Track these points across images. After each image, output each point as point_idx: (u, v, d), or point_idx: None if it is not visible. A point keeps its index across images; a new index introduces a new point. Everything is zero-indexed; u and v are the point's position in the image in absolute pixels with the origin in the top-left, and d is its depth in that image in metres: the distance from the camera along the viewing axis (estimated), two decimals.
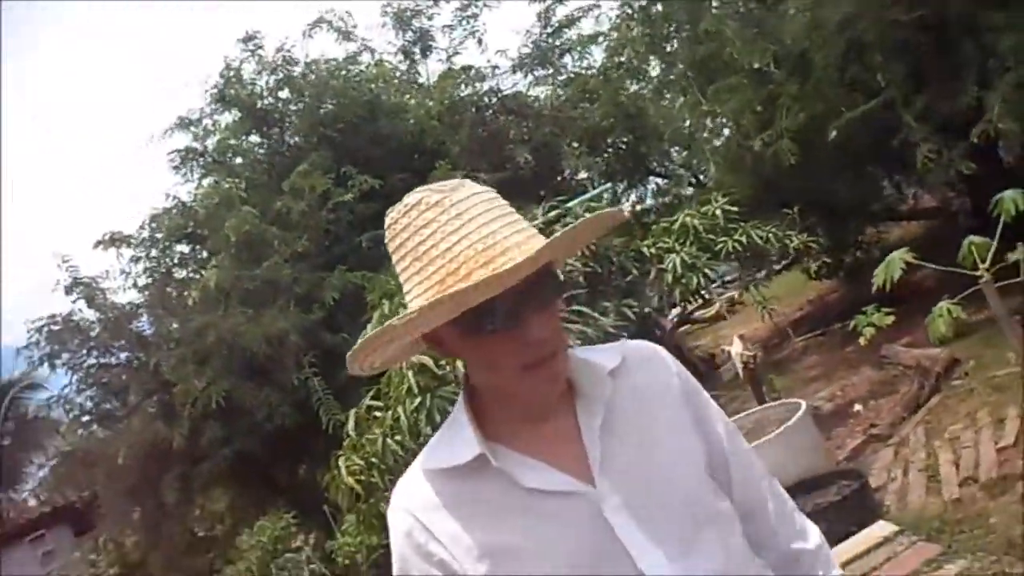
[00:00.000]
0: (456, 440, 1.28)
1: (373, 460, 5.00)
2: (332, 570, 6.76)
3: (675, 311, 11.29)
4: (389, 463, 5.01)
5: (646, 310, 6.80)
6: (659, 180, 12.18)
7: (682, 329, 13.74)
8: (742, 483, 1.39)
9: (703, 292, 7.17)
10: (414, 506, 1.28)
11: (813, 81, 7.87)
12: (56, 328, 10.01)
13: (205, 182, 9.69)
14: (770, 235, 6.92)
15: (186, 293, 9.26)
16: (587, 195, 9.42)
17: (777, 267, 13.72)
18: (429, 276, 1.18)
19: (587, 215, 1.36)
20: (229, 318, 8.16)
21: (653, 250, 6.82)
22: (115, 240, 9.59)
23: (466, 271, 1.15)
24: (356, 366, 1.30)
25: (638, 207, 9.62)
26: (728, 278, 13.19)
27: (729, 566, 1.27)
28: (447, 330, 1.21)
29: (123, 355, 10.25)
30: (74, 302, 9.87)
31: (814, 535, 1.46)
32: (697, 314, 15.56)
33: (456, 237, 1.17)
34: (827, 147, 7.94)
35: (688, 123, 9.67)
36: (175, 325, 9.13)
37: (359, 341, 1.26)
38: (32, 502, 19.75)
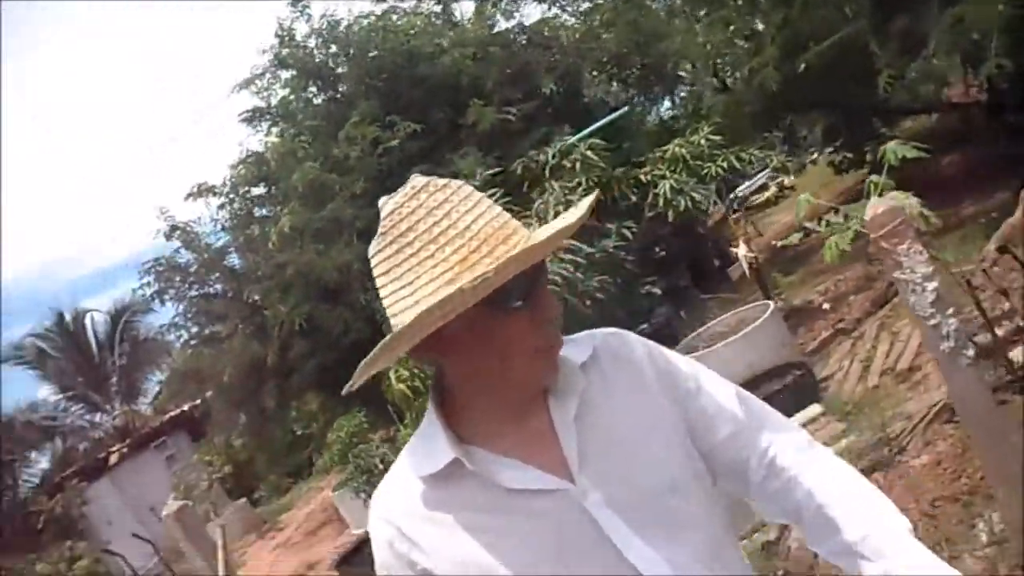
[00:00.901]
0: (431, 446, 1.27)
1: (415, 370, 6.46)
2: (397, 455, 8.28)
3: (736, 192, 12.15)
4: (427, 372, 6.48)
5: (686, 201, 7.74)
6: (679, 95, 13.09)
7: (735, 215, 14.47)
8: (732, 436, 1.37)
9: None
10: (394, 515, 1.28)
11: (797, 9, 8.72)
12: (161, 268, 11.72)
13: (274, 131, 11.11)
14: (751, 156, 8.02)
15: (268, 229, 10.73)
16: (608, 119, 10.53)
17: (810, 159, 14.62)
18: (447, 256, 1.15)
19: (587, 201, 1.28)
20: (304, 254, 9.66)
21: (648, 177, 8.00)
22: (202, 191, 11.11)
23: (488, 248, 1.15)
24: (382, 361, 1.23)
25: None
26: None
27: (711, 551, 1.28)
28: (463, 317, 1.15)
29: (219, 287, 11.92)
30: (177, 249, 11.52)
31: (789, 454, 1.38)
32: (753, 199, 16.55)
33: (472, 216, 1.16)
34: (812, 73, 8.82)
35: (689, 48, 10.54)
36: (260, 261, 10.62)
37: (403, 326, 1.14)
38: (152, 413, 22.16)
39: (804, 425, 5.76)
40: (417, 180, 1.22)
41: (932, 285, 2.99)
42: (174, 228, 11.48)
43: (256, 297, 10.62)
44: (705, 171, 7.83)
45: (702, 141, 7.96)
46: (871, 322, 7.25)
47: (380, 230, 1.21)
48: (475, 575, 1.23)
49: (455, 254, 1.14)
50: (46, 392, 22.23)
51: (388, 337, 1.16)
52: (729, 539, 1.37)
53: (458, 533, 1.23)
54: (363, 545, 8.72)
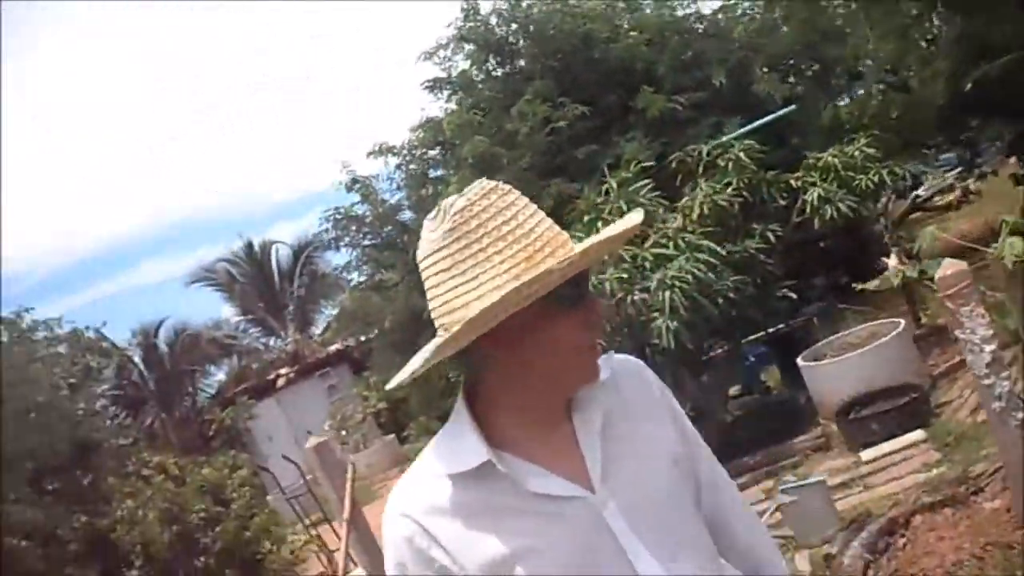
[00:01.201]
0: (460, 446, 1.31)
1: None
2: None
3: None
4: None
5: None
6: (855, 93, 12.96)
7: (913, 215, 13.95)
8: (713, 503, 1.50)
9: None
10: (416, 511, 1.30)
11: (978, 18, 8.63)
12: (339, 217, 12.76)
13: (453, 99, 11.84)
14: (905, 172, 8.11)
15: (439, 190, 11.51)
16: (777, 114, 10.67)
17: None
18: (515, 254, 1.22)
19: (636, 215, 1.41)
20: None
21: (799, 183, 8.20)
22: (383, 149, 11.99)
23: (550, 249, 1.23)
24: (449, 349, 1.26)
25: None
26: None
27: (711, 568, 1.37)
28: (523, 315, 1.21)
29: (391, 239, 12.86)
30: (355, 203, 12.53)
31: (768, 545, 1.60)
32: (935, 200, 16.21)
33: (535, 220, 1.26)
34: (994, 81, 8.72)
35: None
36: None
37: (497, 297, 1.18)
38: (319, 344, 23.73)
39: (900, 450, 6.03)
40: (486, 183, 1.29)
41: (989, 347, 3.31)
42: (354, 181, 12.46)
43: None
44: (856, 183, 7.96)
45: (855, 152, 8.09)
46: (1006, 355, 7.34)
47: (448, 227, 1.25)
48: (494, 573, 1.26)
49: (522, 251, 1.22)
50: (229, 313, 24.15)
51: (455, 329, 1.20)
52: (719, 561, 1.46)
53: (482, 534, 1.27)
54: None
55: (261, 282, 23.36)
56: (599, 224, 7.95)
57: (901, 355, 7.21)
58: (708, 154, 8.51)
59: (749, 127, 10.24)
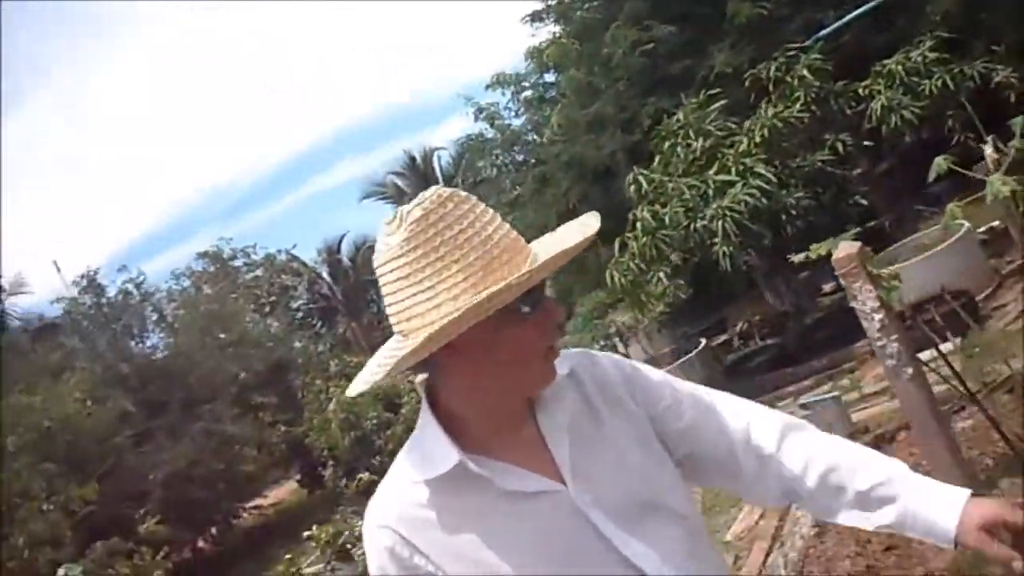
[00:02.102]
0: (430, 452, 1.31)
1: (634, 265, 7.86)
2: None
3: None
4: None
5: None
6: None
7: None
8: (694, 425, 1.47)
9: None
10: (394, 521, 1.30)
11: None
12: (472, 143, 13.90)
13: (556, 28, 12.51)
14: (974, 73, 8.19)
15: (548, 114, 12.36)
16: (871, 4, 10.68)
17: None
18: (471, 263, 1.22)
19: (592, 221, 1.37)
20: (575, 145, 11.24)
21: (865, 92, 8.48)
22: (500, 80, 12.89)
23: (508, 256, 1.24)
24: (370, 381, 1.30)
25: None
26: None
27: (690, 549, 1.38)
28: (480, 325, 1.22)
29: (519, 159, 13.91)
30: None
31: (771, 436, 1.46)
32: None
33: (492, 227, 1.25)
34: None
35: None
36: (545, 143, 12.27)
37: (455, 313, 1.19)
38: None
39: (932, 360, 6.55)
40: (443, 190, 1.28)
41: (878, 316, 4.03)
42: (480, 110, 13.50)
43: (540, 175, 12.41)
44: (921, 88, 8.16)
45: (919, 57, 8.24)
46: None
47: (404, 236, 1.24)
48: (481, 575, 1.27)
49: (479, 260, 1.21)
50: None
51: (416, 343, 1.20)
52: (705, 538, 1.47)
53: (462, 536, 1.28)
54: None
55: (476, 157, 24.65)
56: (677, 151, 8.63)
57: (961, 260, 7.46)
58: (777, 70, 8.87)
59: (841, 20, 10.39)
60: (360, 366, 1.43)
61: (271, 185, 58.37)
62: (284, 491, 16.87)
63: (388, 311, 1.30)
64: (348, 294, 23.81)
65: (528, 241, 1.33)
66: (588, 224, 1.36)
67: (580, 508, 1.31)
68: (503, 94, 13.05)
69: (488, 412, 1.34)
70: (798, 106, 8.45)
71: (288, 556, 5.87)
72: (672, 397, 1.49)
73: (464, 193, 1.28)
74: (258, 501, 15.58)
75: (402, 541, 1.29)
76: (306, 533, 6.07)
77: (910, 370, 4.04)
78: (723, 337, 10.44)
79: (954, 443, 4.22)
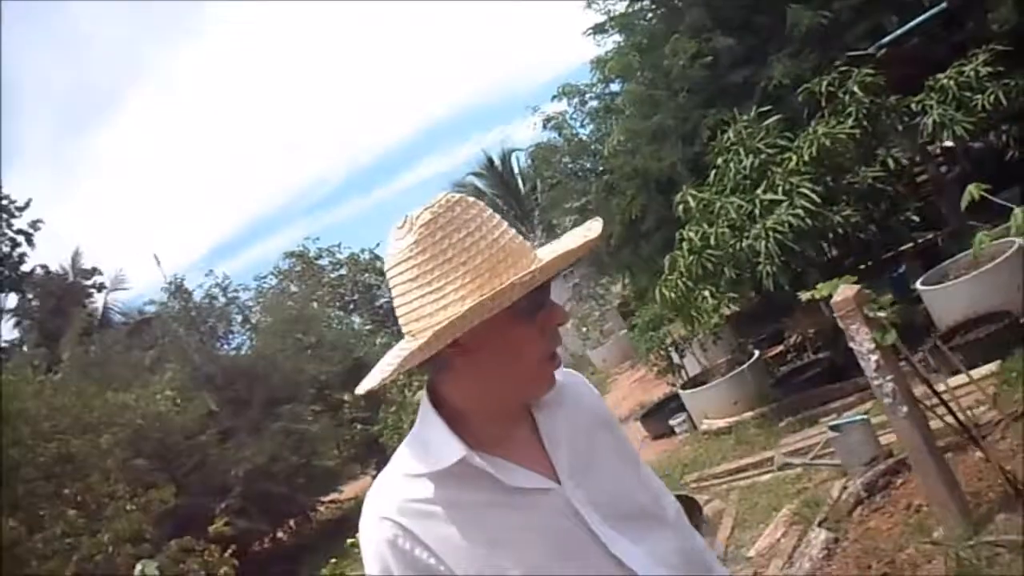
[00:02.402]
0: (433, 446, 1.35)
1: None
2: None
3: None
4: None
5: None
6: None
7: None
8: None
9: None
10: (396, 512, 1.33)
11: None
12: (541, 150, 14.22)
13: (619, 38, 12.66)
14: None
15: (612, 125, 12.56)
16: (929, 14, 10.58)
17: None
18: (477, 265, 1.28)
19: (595, 225, 1.43)
20: (636, 157, 11.42)
21: (919, 107, 8.48)
22: (566, 91, 13.14)
23: (512, 260, 1.30)
24: (381, 376, 1.36)
25: None
26: None
27: (680, 548, 1.49)
28: (485, 322, 1.28)
29: (587, 166, 14.15)
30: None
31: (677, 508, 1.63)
32: None
33: (498, 231, 1.32)
34: None
35: None
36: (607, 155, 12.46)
37: (461, 312, 1.25)
38: None
39: (968, 384, 6.51)
40: (451, 196, 1.33)
41: (874, 357, 4.21)
42: (548, 119, 13.78)
43: (602, 184, 12.61)
44: (974, 103, 8.12)
45: (972, 72, 8.20)
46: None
47: (413, 239, 1.29)
48: (480, 567, 1.29)
49: (485, 263, 1.27)
50: None
51: (423, 339, 1.26)
52: (693, 544, 1.57)
53: (463, 529, 1.30)
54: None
55: (505, 191, 25.20)
56: (730, 167, 8.76)
57: (1009, 280, 7.28)
58: (830, 84, 8.93)
59: (906, 27, 10.33)
60: None
61: (358, 183, 59.88)
62: (361, 485, 17.56)
63: (397, 312, 1.36)
64: None
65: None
66: (591, 229, 1.41)
67: (575, 507, 1.37)
68: (569, 104, 13.28)
69: (491, 411, 1.40)
70: (850, 122, 8.52)
71: (333, 560, 6.24)
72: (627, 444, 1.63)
73: (471, 199, 1.36)
74: (334, 496, 16.34)
75: (404, 533, 1.32)
76: (349, 541, 6.43)
77: (905, 408, 4.21)
78: (778, 349, 10.49)
79: (952, 479, 4.37)
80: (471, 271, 1.28)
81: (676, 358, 10.39)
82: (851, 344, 4.28)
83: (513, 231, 1.35)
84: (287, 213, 62.33)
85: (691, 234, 8.03)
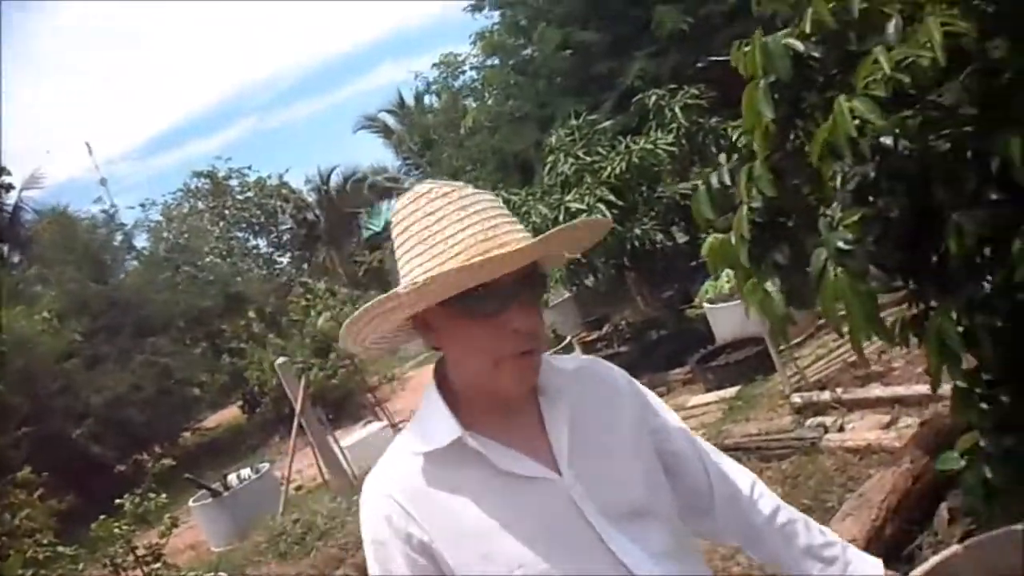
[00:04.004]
0: (432, 426, 1.38)
1: None
2: None
3: None
4: None
5: None
6: None
7: None
8: (695, 458, 1.59)
9: None
10: (394, 491, 1.36)
11: None
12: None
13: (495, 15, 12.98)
14: None
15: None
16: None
17: None
18: (432, 259, 1.28)
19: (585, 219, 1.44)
20: (490, 139, 11.91)
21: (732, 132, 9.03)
22: (445, 62, 13.52)
23: (465, 257, 1.26)
24: (350, 340, 1.40)
25: None
26: None
27: (675, 552, 1.43)
28: (438, 313, 1.32)
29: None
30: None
31: (745, 481, 1.63)
32: None
33: (460, 226, 1.28)
34: None
35: None
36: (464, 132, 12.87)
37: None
38: None
39: (707, 404, 7.25)
40: (422, 186, 1.37)
41: None
42: (429, 84, 14.21)
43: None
44: None
45: None
46: None
47: (393, 220, 1.38)
48: (472, 550, 1.32)
49: (437, 257, 1.28)
50: (391, 158, 26.51)
51: (354, 316, 1.34)
52: (688, 543, 1.54)
53: (457, 509, 1.33)
54: None
55: (416, 128, 25.27)
56: (556, 167, 9.25)
57: None
58: (659, 99, 9.45)
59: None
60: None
61: (310, 83, 59.00)
62: (225, 415, 18.18)
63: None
64: (332, 224, 24.71)
65: None
66: (575, 238, 1.41)
67: (573, 498, 1.36)
68: (444, 76, 13.66)
69: (485, 395, 1.39)
70: (670, 138, 9.07)
71: (103, 517, 6.69)
72: (667, 421, 1.60)
73: (446, 189, 1.35)
74: (198, 425, 16.96)
75: (400, 510, 1.34)
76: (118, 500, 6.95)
77: None
78: (596, 334, 11.10)
79: None
80: (426, 263, 1.30)
81: None
82: None
83: (485, 226, 1.30)
84: (233, 110, 61.28)
85: None
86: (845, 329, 2.49)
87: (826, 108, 2.53)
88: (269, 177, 23.97)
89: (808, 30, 2.57)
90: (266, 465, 10.42)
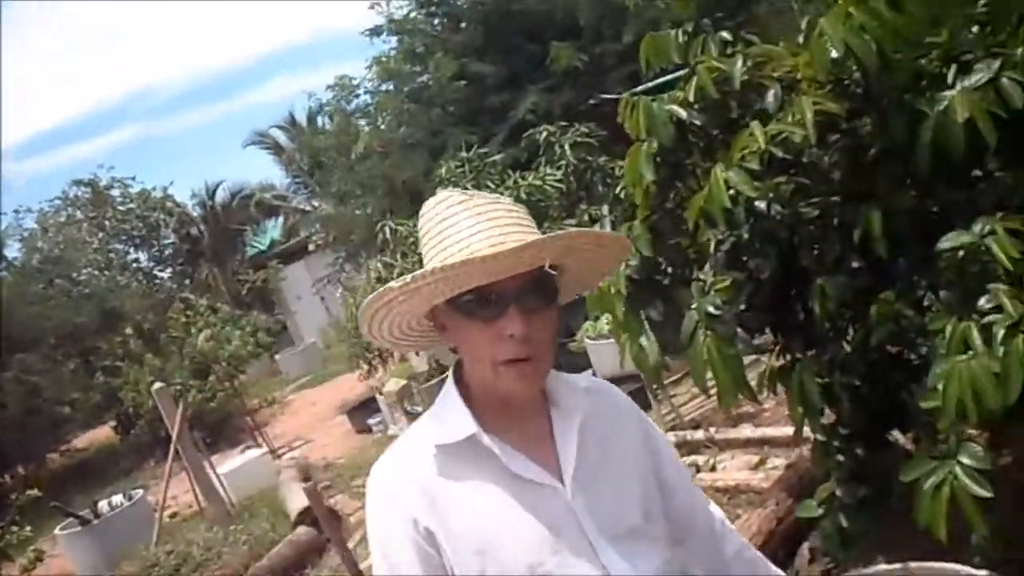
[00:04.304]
0: (449, 420, 1.41)
1: None
2: None
3: None
4: None
5: None
6: None
7: None
8: (684, 490, 1.65)
9: None
10: (405, 479, 1.40)
11: None
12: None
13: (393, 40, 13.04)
14: None
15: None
16: (674, 75, 11.46)
17: None
18: (442, 261, 1.31)
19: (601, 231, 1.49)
20: (381, 165, 11.91)
21: (620, 171, 9.27)
22: (343, 85, 13.44)
23: (463, 256, 1.28)
24: (365, 328, 1.43)
25: None
26: None
27: (666, 572, 1.47)
28: (449, 314, 1.37)
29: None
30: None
31: (717, 515, 1.72)
32: None
33: (471, 231, 1.32)
34: None
35: None
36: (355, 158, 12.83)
37: (370, 296, 1.36)
38: None
39: None
40: (444, 192, 1.42)
41: None
42: (323, 106, 14.11)
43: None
44: None
45: None
46: None
47: (419, 224, 1.43)
48: (470, 544, 1.35)
49: (448, 260, 1.31)
50: (280, 176, 26.00)
51: (371, 296, 1.37)
52: (679, 567, 1.56)
53: (463, 503, 1.36)
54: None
55: (307, 148, 24.91)
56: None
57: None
58: (550, 135, 9.63)
59: (657, 81, 11.13)
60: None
61: (199, 92, 57.54)
62: (96, 435, 17.49)
63: None
64: (216, 240, 24.14)
65: None
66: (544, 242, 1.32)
67: (573, 509, 1.39)
68: (336, 97, 13.60)
69: (489, 392, 1.41)
70: (559, 174, 9.25)
71: None
72: (663, 448, 1.65)
73: (463, 197, 1.38)
74: (67, 446, 16.21)
75: (409, 498, 1.37)
76: None
77: None
78: None
79: None
80: (427, 261, 1.36)
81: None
82: (394, 427, 4.94)
83: (495, 232, 1.32)
84: (117, 114, 59.28)
85: (378, 264, 8.54)
86: (713, 390, 2.61)
87: (705, 173, 2.67)
88: (153, 189, 23.29)
89: (691, 98, 2.69)
90: (139, 491, 9.99)
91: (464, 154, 9.63)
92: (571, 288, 1.53)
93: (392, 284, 1.32)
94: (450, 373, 1.48)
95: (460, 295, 1.32)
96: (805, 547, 4.11)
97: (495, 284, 1.30)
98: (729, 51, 2.90)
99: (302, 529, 6.79)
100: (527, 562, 1.35)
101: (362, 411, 11.25)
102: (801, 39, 2.48)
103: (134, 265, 23.06)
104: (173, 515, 9.64)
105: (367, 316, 1.40)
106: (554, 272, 1.36)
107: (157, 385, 8.81)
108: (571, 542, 1.37)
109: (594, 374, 8.63)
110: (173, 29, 55.90)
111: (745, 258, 2.77)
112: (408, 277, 1.30)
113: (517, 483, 1.38)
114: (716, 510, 1.73)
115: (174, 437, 8.29)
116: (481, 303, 1.32)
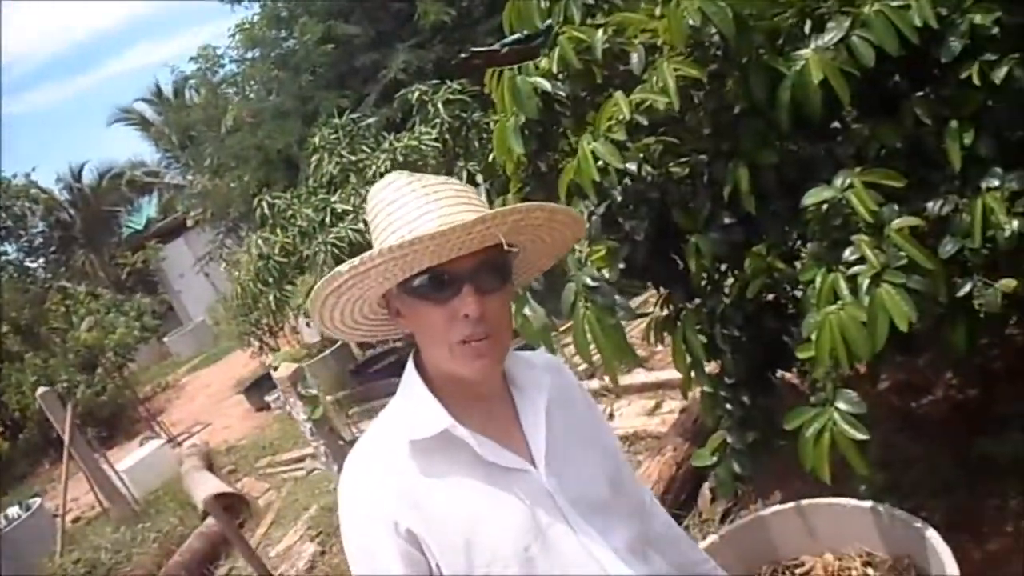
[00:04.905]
0: (418, 413, 1.39)
1: None
2: None
3: None
4: None
5: None
6: None
7: None
8: (621, 462, 1.66)
9: None
10: (380, 481, 1.37)
11: None
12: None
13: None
14: None
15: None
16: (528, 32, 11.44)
17: None
18: (385, 240, 1.31)
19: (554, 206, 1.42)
20: (252, 136, 11.60)
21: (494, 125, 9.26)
22: (203, 56, 12.96)
23: (412, 236, 1.26)
24: (317, 318, 1.42)
25: None
26: None
27: (639, 548, 1.50)
28: (403, 299, 1.37)
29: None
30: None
31: (647, 492, 1.78)
32: None
33: (420, 211, 1.31)
34: None
35: None
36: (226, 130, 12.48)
37: (318, 284, 1.33)
38: None
39: None
40: (391, 175, 1.41)
41: (308, 425, 4.83)
42: (187, 78, 13.57)
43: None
44: None
45: None
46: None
47: (367, 207, 1.41)
48: (456, 537, 1.33)
49: (385, 242, 1.30)
50: (150, 151, 25.04)
51: (320, 282, 1.33)
52: (645, 541, 1.58)
53: (442, 497, 1.34)
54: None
55: (176, 124, 24.10)
56: (320, 167, 9.13)
57: None
58: (423, 95, 9.49)
59: (525, 33, 11.09)
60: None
61: (52, 67, 54.79)
62: None
63: None
64: (88, 224, 23.26)
65: None
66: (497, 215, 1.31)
67: (548, 491, 1.40)
68: (202, 71, 13.13)
69: (448, 379, 1.40)
70: (434, 133, 9.15)
71: None
72: (603, 419, 1.71)
73: (410, 179, 1.38)
74: None
75: (386, 496, 1.35)
76: None
77: (336, 466, 4.89)
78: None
79: None
80: (377, 243, 1.34)
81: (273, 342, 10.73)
82: (291, 412, 4.90)
83: (444, 213, 1.31)
84: None
85: (259, 240, 8.35)
86: (596, 357, 2.65)
87: (576, 139, 2.69)
88: (15, 176, 22.21)
89: (555, 69, 2.69)
90: (37, 500, 9.68)
91: (337, 120, 9.39)
92: (525, 270, 1.54)
93: (340, 268, 1.30)
94: (409, 362, 1.46)
95: (412, 278, 1.32)
96: (706, 487, 4.28)
97: (448, 265, 1.30)
98: (592, 15, 2.92)
99: (211, 520, 6.68)
100: (513, 549, 1.35)
101: (258, 388, 11.13)
102: (658, 9, 2.49)
103: (3, 258, 22.01)
104: (76, 520, 9.41)
105: (317, 304, 1.37)
106: (509, 250, 1.36)
107: (41, 389, 8.48)
108: (551, 523, 1.39)
109: None
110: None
111: (620, 219, 2.81)
112: (357, 260, 1.28)
113: (492, 471, 1.38)
114: (645, 486, 1.82)
115: (66, 441, 8.03)
116: (434, 284, 1.32)
